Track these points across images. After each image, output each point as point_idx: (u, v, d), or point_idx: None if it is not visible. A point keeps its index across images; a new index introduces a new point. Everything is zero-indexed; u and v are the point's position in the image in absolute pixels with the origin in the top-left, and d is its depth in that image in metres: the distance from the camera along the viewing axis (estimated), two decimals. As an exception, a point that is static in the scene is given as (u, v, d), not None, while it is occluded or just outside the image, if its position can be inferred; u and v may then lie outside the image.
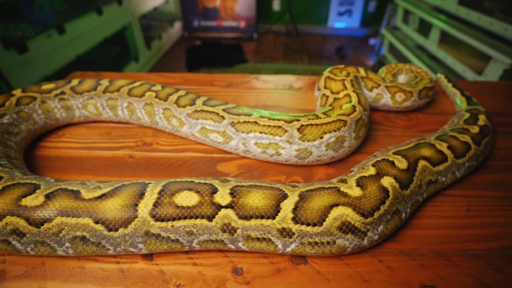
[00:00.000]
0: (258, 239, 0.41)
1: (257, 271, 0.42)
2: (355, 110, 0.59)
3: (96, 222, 0.39)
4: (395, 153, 0.52)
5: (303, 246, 0.41)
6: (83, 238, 0.40)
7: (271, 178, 0.57)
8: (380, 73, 0.89)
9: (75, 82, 0.70)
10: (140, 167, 0.59)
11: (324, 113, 0.59)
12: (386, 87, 0.75)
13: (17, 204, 0.40)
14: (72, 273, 0.41)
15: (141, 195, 0.42)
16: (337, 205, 0.41)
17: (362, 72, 0.77)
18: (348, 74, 0.73)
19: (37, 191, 0.42)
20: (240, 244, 0.42)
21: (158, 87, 0.67)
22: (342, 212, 0.40)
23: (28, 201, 0.40)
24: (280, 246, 0.41)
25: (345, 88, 0.67)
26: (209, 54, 3.28)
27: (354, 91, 0.65)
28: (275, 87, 0.88)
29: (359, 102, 0.61)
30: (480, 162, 0.59)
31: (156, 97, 0.64)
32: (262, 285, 0.40)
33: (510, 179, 0.58)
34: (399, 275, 0.42)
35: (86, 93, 0.67)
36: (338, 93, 0.67)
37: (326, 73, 0.75)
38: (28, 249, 0.41)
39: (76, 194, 0.42)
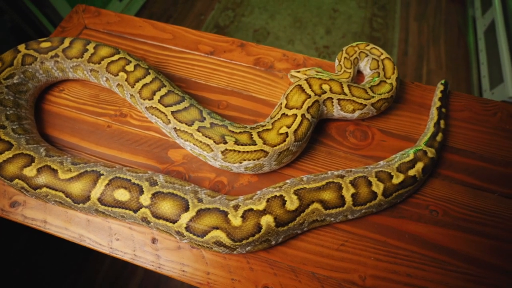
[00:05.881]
0: (164, 231, 0.61)
1: (166, 244, 0.65)
2: (284, 141, 0.64)
3: (67, 196, 0.61)
4: (296, 191, 0.61)
5: (192, 243, 0.61)
6: (61, 202, 0.63)
7: (203, 174, 0.71)
8: (337, 69, 0.81)
9: (66, 43, 0.78)
10: (113, 139, 0.76)
11: (259, 135, 0.65)
12: (372, 104, 0.71)
13: (21, 172, 0.62)
14: (60, 214, 0.68)
15: (94, 184, 0.61)
16: (217, 228, 0.57)
17: (346, 89, 0.71)
18: (322, 92, 0.70)
19: (32, 164, 0.63)
20: (154, 230, 0.62)
21: (131, 67, 0.74)
22: (218, 235, 0.57)
23: (27, 171, 0.62)
24: (178, 238, 0.61)
25: (301, 107, 0.68)
26: None
27: (302, 115, 0.67)
28: (254, 64, 0.87)
29: (295, 131, 0.65)
30: (382, 209, 0.66)
31: (126, 80, 0.73)
32: (165, 254, 0.64)
33: (404, 228, 0.66)
34: (254, 275, 0.62)
35: (75, 59, 0.77)
36: (291, 109, 0.68)
37: (302, 81, 0.72)
38: (33, 197, 0.66)
39: (55, 173, 0.62)
